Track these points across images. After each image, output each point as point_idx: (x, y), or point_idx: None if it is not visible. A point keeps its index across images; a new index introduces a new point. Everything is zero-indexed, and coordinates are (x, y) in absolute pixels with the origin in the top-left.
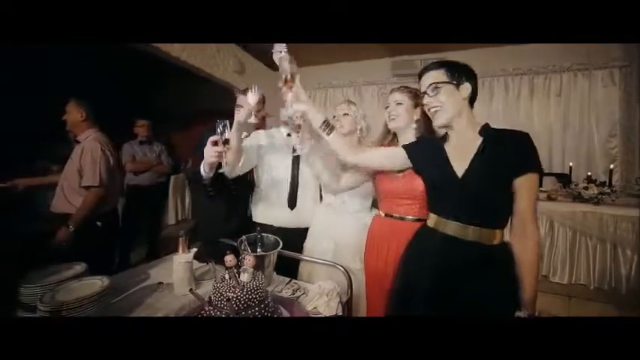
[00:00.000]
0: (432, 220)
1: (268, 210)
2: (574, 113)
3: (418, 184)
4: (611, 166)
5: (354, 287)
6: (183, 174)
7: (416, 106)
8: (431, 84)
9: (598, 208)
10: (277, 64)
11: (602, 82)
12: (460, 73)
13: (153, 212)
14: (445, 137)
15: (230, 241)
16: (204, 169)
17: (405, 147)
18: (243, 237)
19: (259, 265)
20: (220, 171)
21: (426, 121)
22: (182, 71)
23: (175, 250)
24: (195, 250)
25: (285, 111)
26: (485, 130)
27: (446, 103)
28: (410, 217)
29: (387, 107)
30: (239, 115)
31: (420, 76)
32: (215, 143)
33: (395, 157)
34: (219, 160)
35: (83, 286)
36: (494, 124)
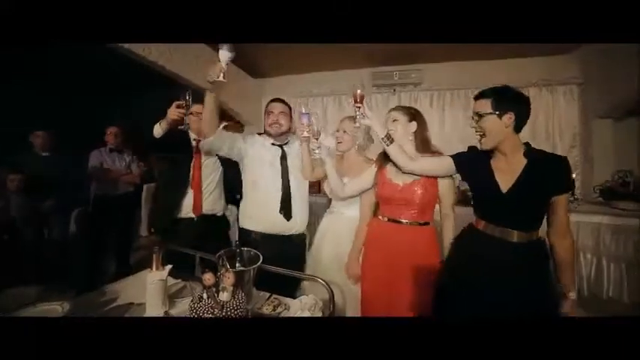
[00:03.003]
0: (479, 222)
1: (259, 217)
2: (540, 125)
3: (416, 193)
4: (574, 175)
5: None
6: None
7: (411, 120)
8: (477, 112)
9: None
10: (354, 92)
11: (564, 97)
12: (506, 103)
13: (121, 224)
14: (490, 153)
15: (207, 255)
16: (160, 126)
17: (453, 157)
18: (222, 252)
19: (238, 281)
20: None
21: (421, 132)
22: (162, 78)
23: (148, 266)
24: (170, 267)
25: (356, 123)
26: (530, 153)
27: (488, 131)
28: (408, 220)
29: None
30: (210, 75)
31: (475, 99)
32: (179, 106)
33: (443, 164)
34: (179, 119)
35: (40, 314)
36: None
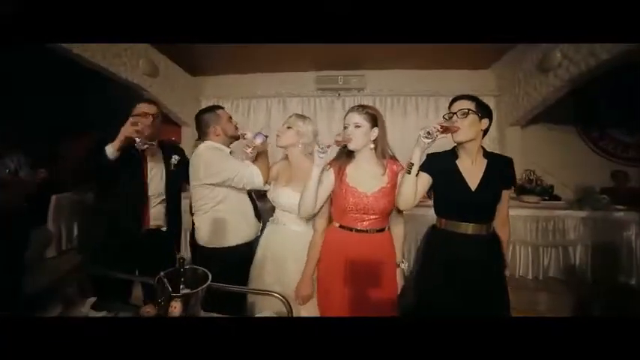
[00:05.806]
0: (443, 222)
1: (242, 227)
2: None
3: (382, 202)
4: None
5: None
6: (72, 194)
7: (373, 127)
8: (463, 108)
9: None
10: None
11: None
12: (485, 110)
13: (8, 250)
14: (455, 154)
15: (143, 278)
16: (112, 147)
17: (425, 169)
18: (162, 273)
19: (184, 305)
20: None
21: (382, 138)
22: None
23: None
24: (92, 299)
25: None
26: (488, 154)
27: (467, 128)
28: (367, 228)
29: (346, 128)
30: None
31: (454, 100)
32: (135, 122)
33: (427, 182)
34: (135, 137)
35: None
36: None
